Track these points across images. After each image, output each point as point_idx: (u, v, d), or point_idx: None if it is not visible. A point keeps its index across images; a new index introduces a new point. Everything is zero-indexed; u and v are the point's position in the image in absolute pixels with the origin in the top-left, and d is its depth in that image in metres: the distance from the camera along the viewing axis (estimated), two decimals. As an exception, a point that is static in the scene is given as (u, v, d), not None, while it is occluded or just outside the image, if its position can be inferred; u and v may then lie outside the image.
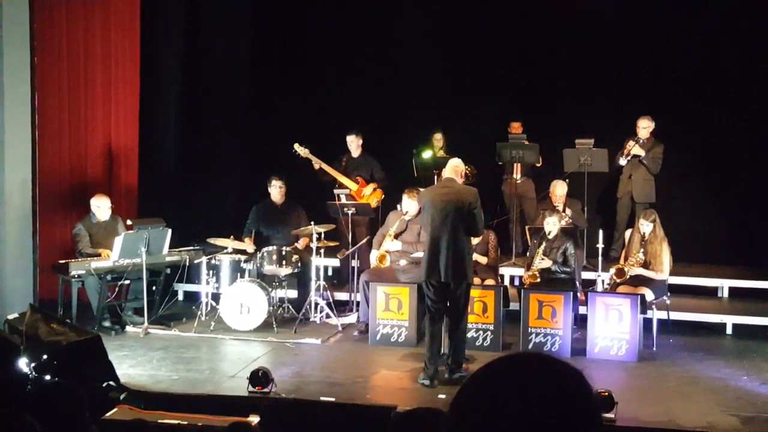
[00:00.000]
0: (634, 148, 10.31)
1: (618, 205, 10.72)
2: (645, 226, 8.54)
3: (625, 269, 8.49)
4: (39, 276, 9.07)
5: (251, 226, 9.88)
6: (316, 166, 10.16)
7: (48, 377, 6.11)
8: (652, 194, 10.43)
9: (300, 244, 9.66)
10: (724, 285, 10.15)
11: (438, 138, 11.17)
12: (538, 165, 10.80)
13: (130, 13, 10.55)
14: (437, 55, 11.66)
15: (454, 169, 7.58)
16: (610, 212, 10.79)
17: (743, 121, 10.79)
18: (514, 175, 10.79)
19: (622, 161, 10.38)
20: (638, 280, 8.50)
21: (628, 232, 9.09)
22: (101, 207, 9.25)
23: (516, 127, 10.95)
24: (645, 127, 10.37)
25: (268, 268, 9.21)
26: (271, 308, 9.00)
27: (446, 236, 7.17)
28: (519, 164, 10.69)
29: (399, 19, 11.79)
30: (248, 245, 9.57)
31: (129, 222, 9.38)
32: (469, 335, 8.24)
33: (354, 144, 10.40)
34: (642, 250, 8.49)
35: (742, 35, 10.77)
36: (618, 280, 8.53)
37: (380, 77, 11.73)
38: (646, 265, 8.49)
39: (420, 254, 8.81)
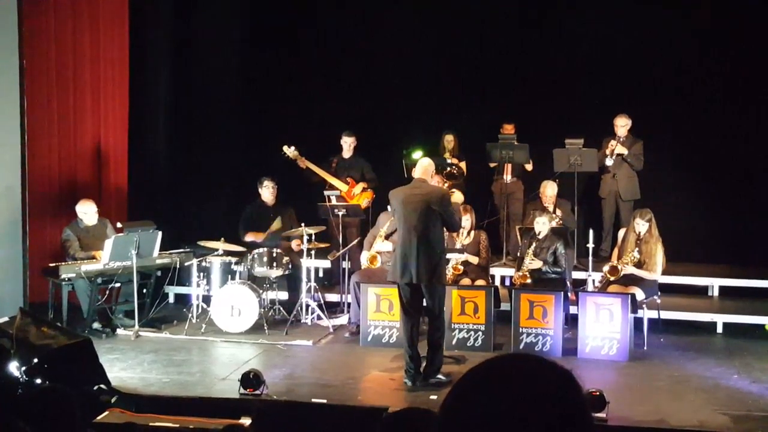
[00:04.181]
0: (617, 147, 10.36)
1: (603, 205, 10.75)
2: (641, 225, 8.54)
3: (619, 267, 8.51)
4: (29, 279, 9.05)
5: (246, 225, 9.89)
6: (302, 165, 10.14)
7: (38, 381, 6.09)
8: (637, 191, 10.49)
9: (294, 246, 9.65)
10: (715, 284, 10.19)
11: (449, 140, 10.93)
12: (529, 170, 10.81)
13: (118, 15, 10.53)
14: (429, 56, 11.66)
15: (425, 169, 7.53)
16: (600, 212, 10.80)
17: (731, 118, 10.83)
18: (505, 176, 10.80)
19: (609, 161, 10.42)
20: (629, 280, 8.52)
21: (621, 232, 9.11)
22: (88, 212, 9.21)
23: (508, 129, 10.94)
24: (623, 125, 10.43)
25: (259, 270, 9.20)
26: (262, 310, 8.99)
27: (417, 237, 7.16)
28: (510, 165, 10.71)
29: (390, 20, 11.79)
30: (258, 236, 9.58)
31: (119, 225, 9.36)
32: (460, 336, 8.28)
33: (347, 144, 10.39)
34: (637, 249, 8.50)
35: (730, 33, 10.81)
36: (611, 278, 8.54)
37: (371, 78, 11.73)
38: (640, 264, 8.50)
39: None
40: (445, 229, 7.48)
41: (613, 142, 10.38)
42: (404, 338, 7.37)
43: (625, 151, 10.37)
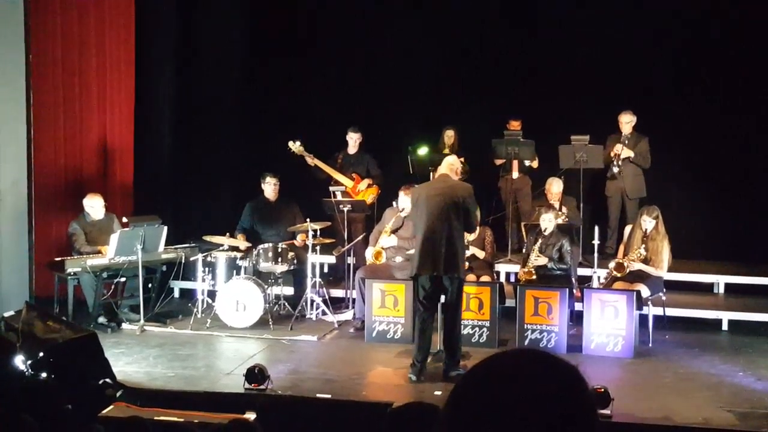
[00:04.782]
0: (623, 151, 10.31)
1: (609, 202, 10.72)
2: (647, 222, 8.53)
3: (625, 264, 8.50)
4: (35, 274, 9.07)
5: (244, 224, 9.87)
6: (311, 163, 10.15)
7: (44, 375, 6.11)
8: (643, 189, 10.46)
9: (298, 241, 9.65)
10: (720, 281, 10.17)
11: (450, 135, 10.96)
12: (535, 167, 10.79)
13: (124, 11, 10.55)
14: (434, 52, 11.64)
15: (450, 166, 7.61)
16: (605, 209, 10.78)
17: (738, 116, 10.80)
18: (512, 172, 10.80)
19: (616, 169, 10.38)
20: (634, 277, 8.51)
21: (627, 229, 9.10)
22: (95, 207, 9.23)
23: (515, 125, 10.92)
24: (627, 121, 10.40)
25: (264, 265, 9.20)
26: (267, 305, 9.00)
27: (441, 230, 7.19)
28: (517, 161, 10.70)
29: (395, 16, 11.78)
30: (241, 242, 9.56)
31: (125, 219, 9.37)
32: (465, 332, 8.25)
33: (353, 140, 10.39)
34: (643, 246, 8.49)
35: (730, 33, 10.79)
36: (618, 275, 8.54)
37: (376, 74, 11.73)
38: (646, 261, 8.50)
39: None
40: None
41: (618, 147, 10.33)
42: (417, 331, 7.37)
43: (631, 154, 10.33)
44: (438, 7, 11.68)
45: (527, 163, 10.77)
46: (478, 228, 9.13)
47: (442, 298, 7.42)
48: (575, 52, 11.19)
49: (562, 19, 11.37)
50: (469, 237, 9.07)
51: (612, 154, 10.37)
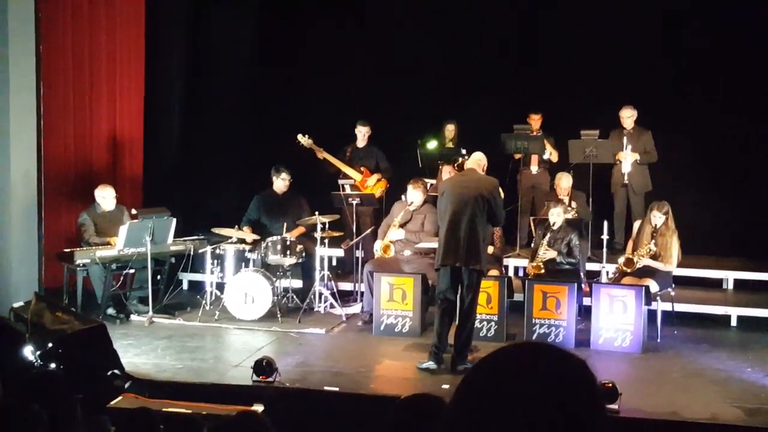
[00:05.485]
0: (628, 156, 10.24)
1: (614, 197, 10.69)
2: (657, 217, 8.51)
3: (635, 259, 8.48)
4: (44, 265, 9.09)
5: (251, 216, 9.87)
6: (320, 156, 10.16)
7: (53, 365, 6.13)
8: (648, 182, 10.43)
9: (289, 235, 9.55)
10: (729, 277, 10.14)
11: (450, 129, 11.02)
12: (554, 160, 10.76)
13: (135, 3, 10.55)
14: (445, 45, 11.62)
15: (477, 162, 7.67)
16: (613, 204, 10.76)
17: (747, 112, 10.75)
18: (531, 167, 10.78)
19: (626, 180, 10.32)
20: (643, 272, 8.49)
21: (636, 224, 9.08)
22: (106, 197, 9.26)
23: (535, 119, 10.88)
24: (629, 116, 10.36)
25: (273, 258, 9.21)
26: (276, 298, 9.01)
27: (464, 222, 7.22)
28: (536, 156, 10.68)
29: (405, 8, 11.76)
30: (247, 234, 9.56)
31: (134, 211, 9.39)
32: (473, 326, 8.27)
33: (362, 134, 10.39)
34: (653, 241, 8.47)
35: (735, 30, 10.75)
36: (628, 270, 8.51)
37: (386, 67, 11.70)
38: (655, 256, 8.48)
39: (424, 244, 8.85)
40: (489, 221, 7.48)
41: (621, 154, 10.27)
42: (437, 320, 7.37)
43: (637, 156, 10.29)
44: (440, 5, 11.65)
45: (546, 156, 10.75)
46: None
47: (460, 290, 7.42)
48: (576, 52, 11.15)
49: (563, 18, 11.33)
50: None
51: (618, 163, 10.33)
